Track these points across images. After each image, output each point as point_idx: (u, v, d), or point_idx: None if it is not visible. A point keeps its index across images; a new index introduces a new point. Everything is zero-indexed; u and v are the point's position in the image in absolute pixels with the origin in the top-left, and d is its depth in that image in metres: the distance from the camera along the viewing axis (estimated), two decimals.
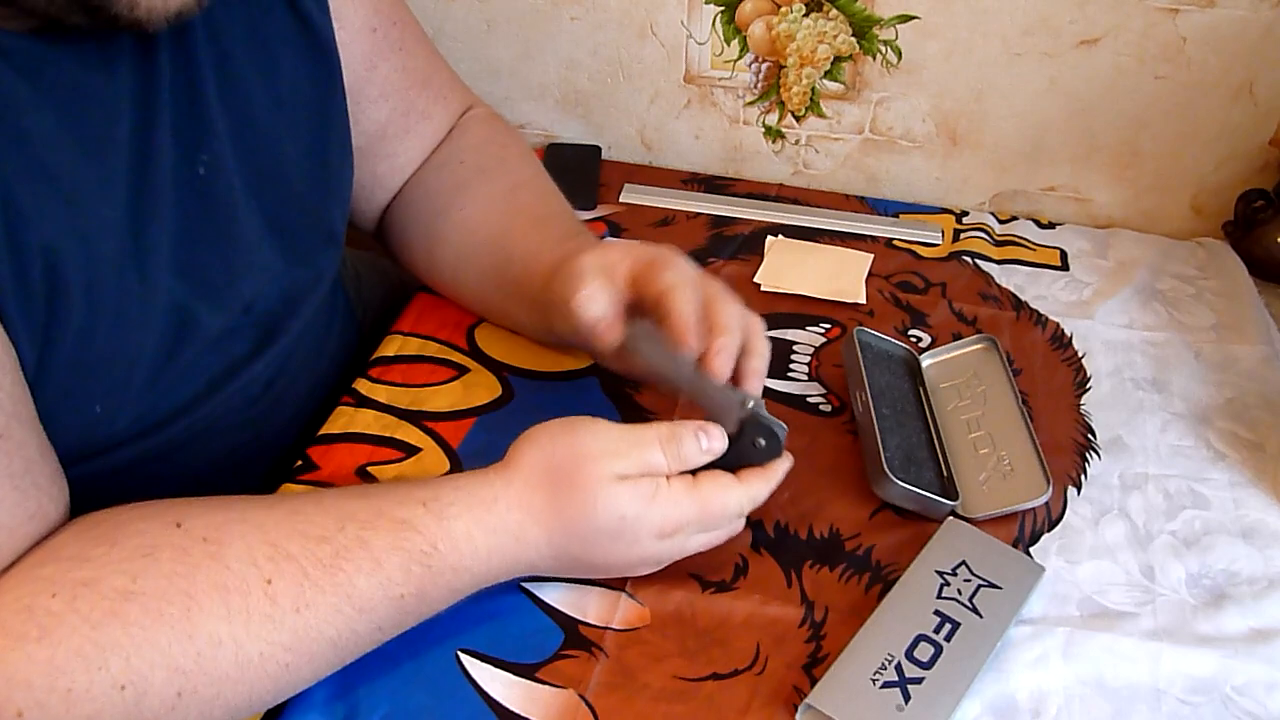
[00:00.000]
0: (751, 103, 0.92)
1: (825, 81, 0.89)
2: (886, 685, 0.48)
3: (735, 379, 0.54)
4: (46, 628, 0.40)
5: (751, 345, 0.55)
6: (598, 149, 0.97)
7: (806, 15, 0.86)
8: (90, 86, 0.46)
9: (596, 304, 0.55)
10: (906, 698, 0.48)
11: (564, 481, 0.48)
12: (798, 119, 0.92)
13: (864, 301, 0.77)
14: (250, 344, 0.58)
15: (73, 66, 0.45)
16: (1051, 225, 0.89)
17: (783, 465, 0.53)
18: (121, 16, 0.43)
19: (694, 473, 0.51)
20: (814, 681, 0.50)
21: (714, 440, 0.51)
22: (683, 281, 0.54)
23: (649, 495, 0.48)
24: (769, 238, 0.84)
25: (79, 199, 0.45)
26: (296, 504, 0.47)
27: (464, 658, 0.51)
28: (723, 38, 0.89)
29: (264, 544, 0.44)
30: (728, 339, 0.53)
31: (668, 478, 0.49)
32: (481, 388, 0.68)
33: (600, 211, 0.88)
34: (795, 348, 0.73)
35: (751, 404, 0.52)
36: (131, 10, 0.42)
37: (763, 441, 0.52)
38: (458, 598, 0.49)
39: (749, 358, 0.55)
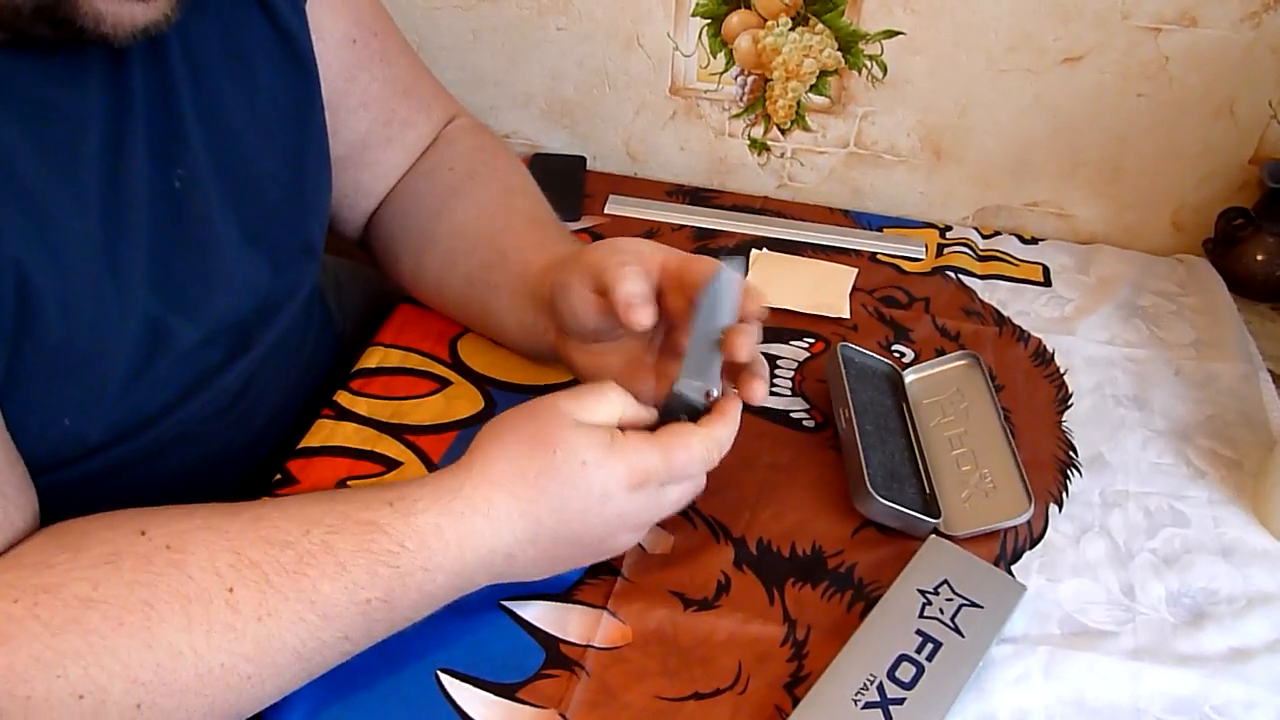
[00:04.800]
0: (737, 115, 0.92)
1: (811, 95, 0.89)
2: (868, 706, 0.48)
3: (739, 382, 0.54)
4: (6, 633, 0.40)
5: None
6: (583, 159, 0.96)
7: (792, 29, 0.86)
8: (57, 100, 0.46)
9: (635, 278, 0.53)
10: (888, 718, 0.48)
11: (524, 440, 0.48)
12: (783, 132, 0.92)
13: (848, 316, 0.77)
14: (222, 354, 0.58)
15: (39, 80, 0.45)
16: (1034, 241, 0.89)
17: (736, 404, 0.52)
18: (88, 30, 0.42)
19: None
20: (796, 701, 0.49)
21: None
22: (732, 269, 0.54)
23: (606, 442, 0.48)
24: (753, 251, 0.84)
25: (48, 212, 0.45)
26: (262, 510, 0.46)
27: (443, 677, 0.51)
28: (709, 50, 0.89)
29: (227, 551, 0.43)
30: (756, 328, 0.53)
31: (622, 430, 0.49)
32: (464, 400, 0.67)
33: (585, 223, 0.88)
34: (779, 363, 0.73)
35: (715, 392, 0.52)
36: (97, 25, 0.42)
37: (684, 418, 0.51)
38: (430, 604, 0.47)
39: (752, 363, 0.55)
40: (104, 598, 0.41)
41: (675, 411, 0.52)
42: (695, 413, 0.52)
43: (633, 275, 0.53)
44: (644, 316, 0.52)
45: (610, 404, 0.50)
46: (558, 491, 0.47)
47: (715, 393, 0.52)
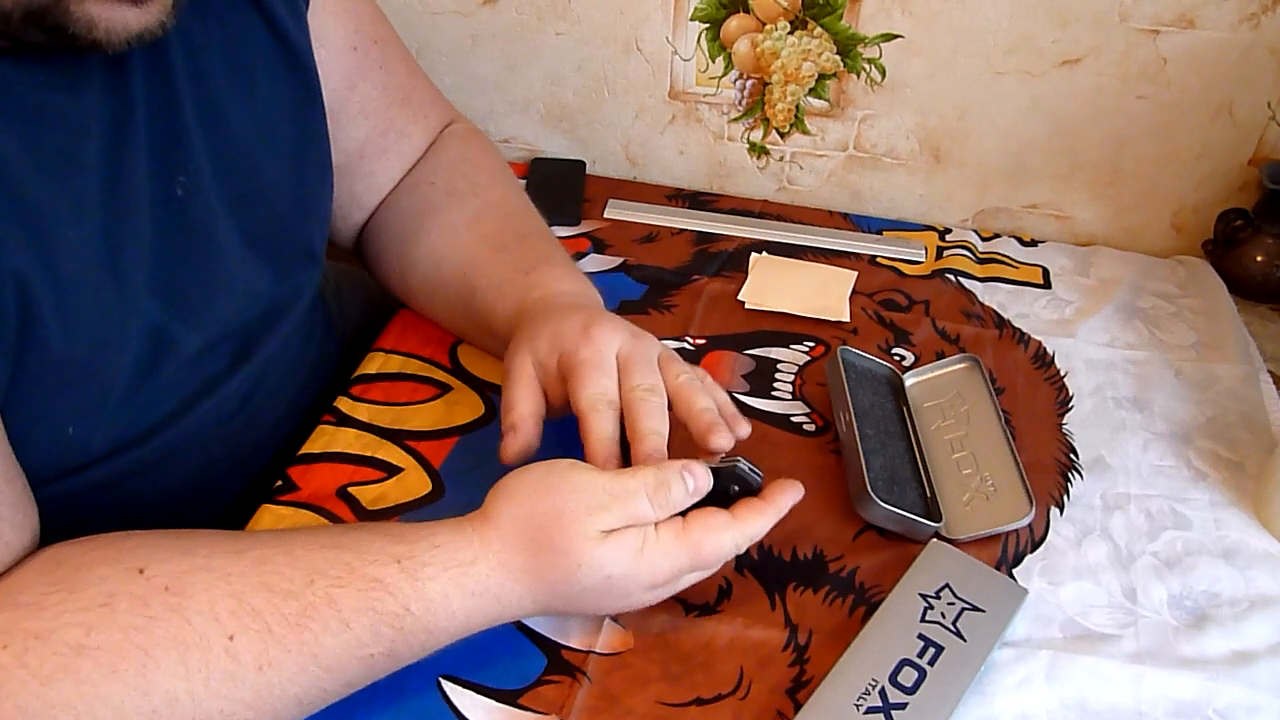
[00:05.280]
0: (736, 119, 0.92)
1: (810, 99, 0.89)
2: (870, 711, 0.48)
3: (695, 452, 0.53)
4: None
5: (689, 411, 0.54)
6: (582, 164, 0.96)
7: (791, 33, 0.86)
8: (55, 107, 0.46)
9: (518, 411, 0.55)
10: None
11: (546, 543, 0.46)
12: (782, 136, 0.92)
13: (848, 319, 0.77)
14: (226, 362, 0.58)
15: (37, 87, 0.45)
16: (1034, 243, 0.89)
17: (786, 497, 0.51)
18: (80, 36, 0.42)
19: (684, 512, 0.49)
20: (798, 706, 0.49)
21: (699, 479, 0.49)
22: (596, 403, 0.52)
23: (636, 550, 0.47)
24: (753, 255, 0.84)
25: (47, 221, 0.45)
26: (265, 552, 0.45)
27: (445, 684, 0.51)
28: (708, 54, 0.89)
29: (228, 597, 0.43)
30: (650, 444, 0.51)
31: (655, 525, 0.47)
32: (464, 406, 0.67)
33: (585, 227, 0.88)
34: (779, 366, 0.73)
35: (735, 465, 0.51)
36: (90, 31, 0.42)
37: (737, 489, 0.50)
38: (431, 652, 0.47)
39: (692, 421, 0.53)
40: (97, 644, 0.40)
41: (724, 484, 0.51)
42: (744, 483, 0.51)
43: (512, 407, 0.55)
44: (521, 445, 0.54)
45: (646, 508, 0.47)
46: (577, 596, 0.48)
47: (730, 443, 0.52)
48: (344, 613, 0.44)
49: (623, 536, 0.47)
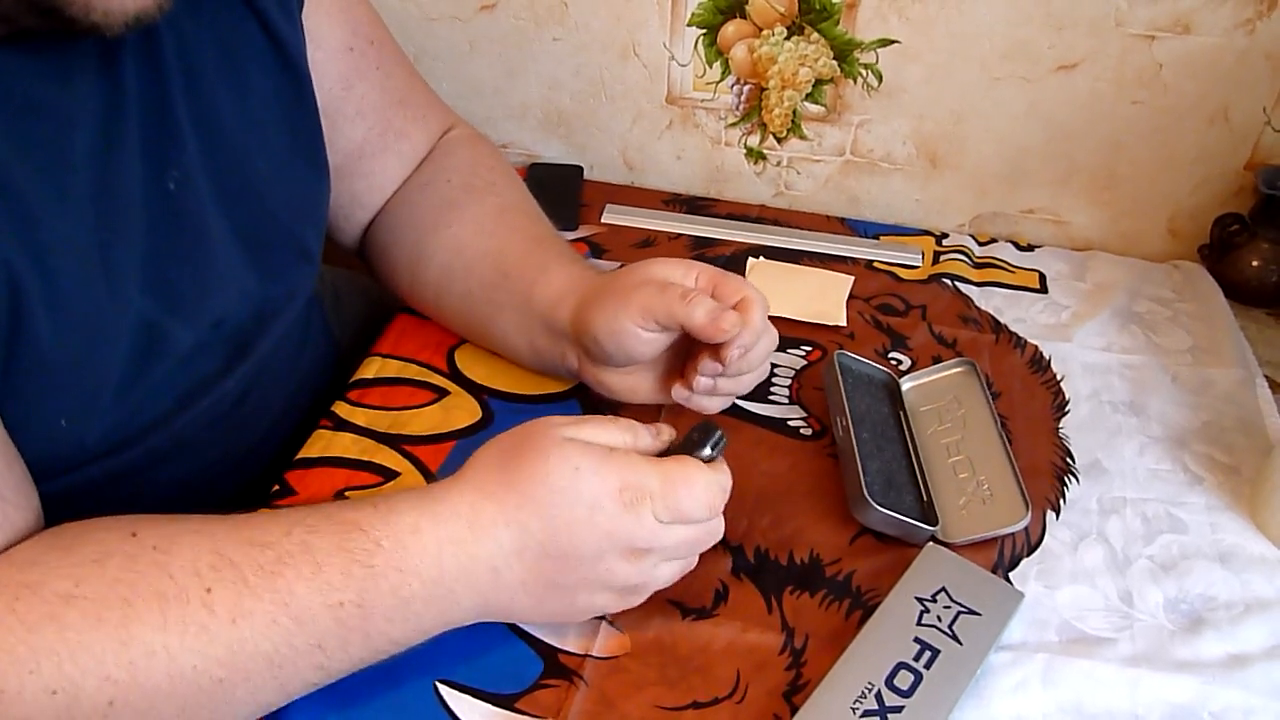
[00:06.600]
0: (733, 124, 0.93)
1: (806, 104, 0.90)
2: (867, 714, 0.48)
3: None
4: None
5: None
6: (580, 169, 0.97)
7: (788, 38, 0.86)
8: (45, 99, 0.45)
9: (703, 301, 0.55)
10: None
11: (515, 456, 0.47)
12: (779, 141, 0.92)
13: (844, 324, 0.77)
14: (220, 360, 0.58)
15: (26, 78, 0.45)
16: (1030, 247, 0.89)
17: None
18: (78, 20, 0.41)
19: None
20: (794, 710, 0.49)
21: (662, 432, 0.51)
22: (759, 297, 0.57)
23: (603, 453, 0.47)
24: (750, 259, 0.84)
25: (36, 213, 0.45)
26: (253, 516, 0.46)
27: (442, 689, 0.51)
28: (705, 60, 0.89)
29: (210, 552, 0.43)
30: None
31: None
32: (461, 411, 0.68)
33: (582, 232, 0.88)
34: (776, 370, 0.73)
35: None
36: (88, 14, 0.41)
37: (696, 436, 0.50)
38: (408, 617, 0.45)
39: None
40: (84, 594, 0.41)
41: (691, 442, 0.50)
42: (707, 437, 0.50)
43: (699, 302, 0.56)
44: (733, 322, 0.55)
45: (610, 433, 0.49)
46: (546, 498, 0.46)
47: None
48: (317, 555, 0.44)
49: (588, 443, 0.47)
